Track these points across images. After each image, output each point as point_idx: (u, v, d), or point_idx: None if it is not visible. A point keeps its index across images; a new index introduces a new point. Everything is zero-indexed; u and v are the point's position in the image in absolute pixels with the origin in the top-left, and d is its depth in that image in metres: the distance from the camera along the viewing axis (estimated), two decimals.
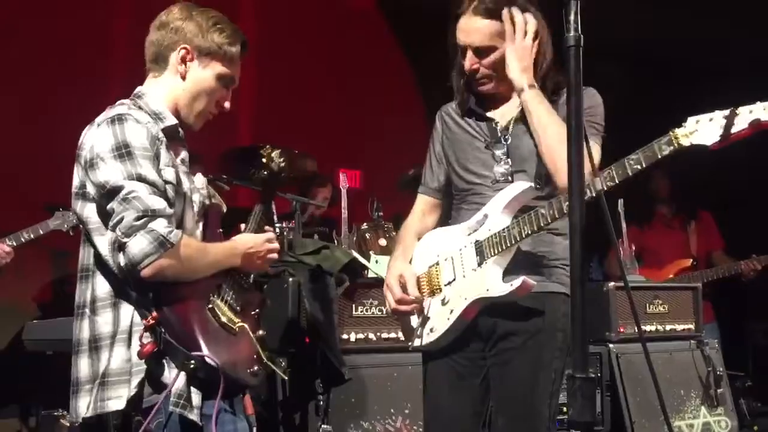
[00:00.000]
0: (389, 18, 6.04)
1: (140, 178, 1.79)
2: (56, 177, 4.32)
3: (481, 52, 2.14)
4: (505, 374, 2.12)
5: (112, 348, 1.82)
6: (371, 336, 3.01)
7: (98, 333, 1.84)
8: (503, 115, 2.23)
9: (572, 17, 1.26)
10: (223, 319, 1.88)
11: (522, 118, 2.17)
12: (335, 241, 3.60)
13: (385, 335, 3.02)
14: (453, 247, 2.19)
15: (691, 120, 1.83)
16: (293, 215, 3.97)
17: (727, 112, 1.79)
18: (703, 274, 4.51)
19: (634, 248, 4.11)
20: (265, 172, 2.44)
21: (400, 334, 3.04)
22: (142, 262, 1.73)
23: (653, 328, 3.68)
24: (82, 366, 1.85)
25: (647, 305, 3.69)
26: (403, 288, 2.19)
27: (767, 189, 5.58)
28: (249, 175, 3.61)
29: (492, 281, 2.08)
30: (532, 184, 2.11)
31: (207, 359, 1.75)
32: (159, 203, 1.79)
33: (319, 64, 5.59)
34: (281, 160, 2.51)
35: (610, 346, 3.45)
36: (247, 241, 2.02)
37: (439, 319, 2.17)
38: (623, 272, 1.95)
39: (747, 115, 1.75)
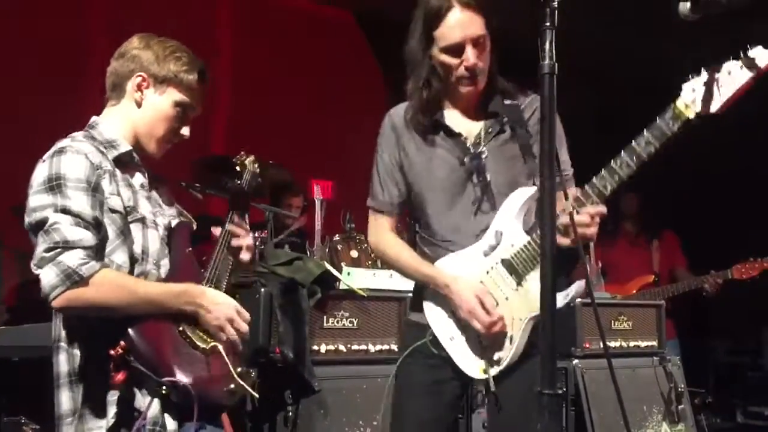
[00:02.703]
0: (365, 30, 6.08)
1: (64, 210, 1.78)
2: (27, 181, 4.31)
3: (478, 42, 2.07)
4: (503, 396, 2.07)
5: (85, 379, 1.81)
6: (341, 348, 3.02)
7: (75, 367, 1.82)
8: (468, 130, 2.17)
9: (547, 46, 1.30)
10: (195, 339, 1.86)
11: (489, 133, 2.13)
12: (308, 252, 3.62)
13: (355, 347, 3.04)
14: (478, 272, 2.09)
15: (686, 87, 1.75)
16: (266, 225, 3.99)
17: (718, 71, 1.70)
18: (665, 290, 4.61)
19: (600, 264, 4.19)
20: (239, 181, 2.44)
21: (370, 346, 3.09)
22: (51, 294, 1.74)
23: (617, 344, 3.76)
24: (64, 400, 1.83)
25: (612, 322, 3.76)
26: (483, 306, 2.04)
27: (728, 207, 5.73)
28: (222, 184, 3.64)
29: None
30: (536, 188, 2.02)
31: (178, 383, 1.73)
32: (77, 234, 1.77)
33: (292, 75, 5.60)
34: (255, 166, 2.51)
35: (575, 361, 3.51)
36: (211, 295, 1.90)
37: (500, 348, 2.06)
38: (591, 291, 1.96)
39: (739, 69, 1.69)
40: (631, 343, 3.82)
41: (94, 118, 2.02)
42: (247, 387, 1.91)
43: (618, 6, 4.77)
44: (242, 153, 2.52)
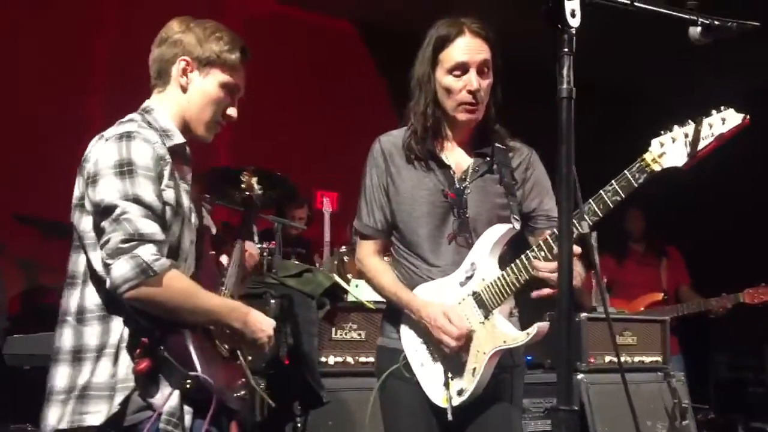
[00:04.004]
0: (366, 41, 6.13)
1: (135, 199, 1.77)
2: (30, 188, 4.36)
3: (483, 71, 2.13)
4: (482, 419, 2.13)
5: (97, 361, 1.79)
6: (349, 359, 3.05)
7: (83, 344, 1.81)
8: (458, 164, 2.21)
9: (565, 71, 1.33)
10: (218, 344, 1.90)
11: (477, 171, 2.19)
12: (316, 263, 3.65)
13: (363, 359, 3.07)
14: (452, 301, 2.13)
15: (654, 143, 1.84)
16: (273, 235, 4.02)
17: (688, 128, 1.79)
18: (673, 309, 4.63)
19: (605, 280, 4.22)
20: (245, 194, 2.47)
21: None
22: (122, 287, 1.72)
23: (622, 359, 3.76)
24: (60, 375, 1.82)
25: (617, 336, 3.78)
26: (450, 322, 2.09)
27: (737, 227, 5.77)
28: (229, 195, 3.68)
29: (506, 332, 2.07)
30: (512, 225, 2.12)
31: (203, 380, 1.76)
32: (150, 227, 1.76)
33: (295, 85, 5.65)
34: (259, 187, 2.55)
35: (580, 375, 3.53)
36: (257, 314, 1.98)
37: (464, 380, 2.10)
38: (605, 305, 1.99)
39: (708, 129, 1.77)
40: (636, 359, 3.84)
41: (147, 103, 2.00)
42: (263, 394, 1.96)
43: (621, 21, 4.82)
44: (245, 173, 2.54)
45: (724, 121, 1.76)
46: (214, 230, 2.23)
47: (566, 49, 1.33)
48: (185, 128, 1.99)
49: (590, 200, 1.90)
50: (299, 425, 2.78)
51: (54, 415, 1.79)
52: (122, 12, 5.03)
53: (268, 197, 3.99)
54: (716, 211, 5.82)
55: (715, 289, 4.61)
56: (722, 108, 1.79)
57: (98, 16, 5.07)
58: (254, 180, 2.45)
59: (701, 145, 1.79)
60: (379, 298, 3.14)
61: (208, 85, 1.98)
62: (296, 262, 3.35)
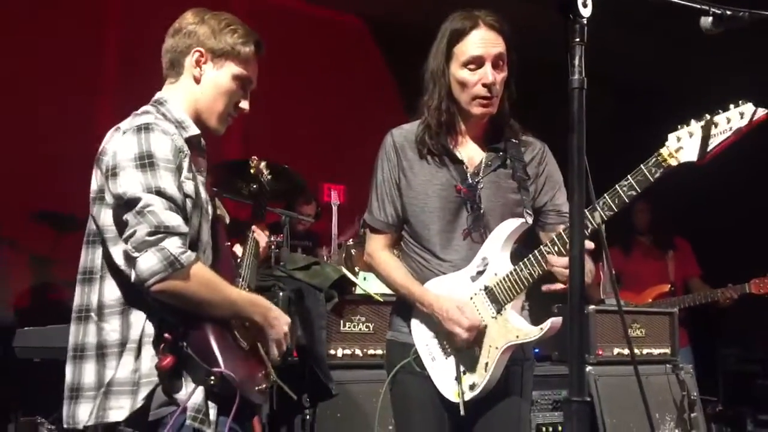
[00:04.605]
0: (375, 34, 6.13)
1: (158, 192, 1.75)
2: (44, 186, 4.38)
3: (498, 64, 2.12)
4: (492, 412, 2.14)
5: (120, 357, 1.78)
6: (358, 352, 3.06)
7: (104, 340, 1.81)
8: (471, 158, 2.21)
9: (577, 61, 1.32)
10: (237, 334, 1.89)
11: (489, 165, 2.19)
12: (324, 257, 3.65)
13: (371, 351, 3.08)
14: (463, 296, 2.13)
15: (671, 137, 1.83)
16: (281, 228, 4.02)
17: (705, 123, 1.78)
18: (680, 300, 4.62)
19: (614, 272, 4.21)
20: (254, 186, 2.49)
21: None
22: (149, 280, 1.70)
23: None
24: (87, 372, 1.81)
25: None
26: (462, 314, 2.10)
27: (745, 218, 5.74)
28: (237, 188, 3.69)
29: (519, 327, 2.07)
30: (524, 220, 2.13)
31: (226, 375, 1.75)
32: (174, 220, 1.75)
33: (301, 79, 5.65)
34: (268, 171, 2.57)
35: (588, 368, 3.53)
36: (276, 310, 1.99)
37: (476, 374, 2.11)
38: (617, 298, 1.98)
39: (726, 123, 1.76)
40: (644, 351, 3.83)
41: (160, 95, 1.99)
42: (285, 387, 1.96)
43: (636, 12, 4.80)
44: (254, 158, 2.56)
45: (742, 115, 1.75)
46: (227, 219, 2.23)
47: (578, 39, 1.32)
48: (197, 120, 1.98)
49: (605, 195, 1.90)
50: (308, 417, 2.79)
51: (84, 411, 1.79)
52: (130, 18, 5.04)
53: (277, 188, 4.01)
54: (723, 201, 5.79)
55: (722, 280, 4.60)
56: (740, 102, 1.77)
57: (106, 15, 5.09)
58: (263, 165, 2.46)
59: (719, 139, 1.78)
60: (387, 291, 3.16)
61: (221, 76, 1.97)
62: (304, 255, 3.35)
